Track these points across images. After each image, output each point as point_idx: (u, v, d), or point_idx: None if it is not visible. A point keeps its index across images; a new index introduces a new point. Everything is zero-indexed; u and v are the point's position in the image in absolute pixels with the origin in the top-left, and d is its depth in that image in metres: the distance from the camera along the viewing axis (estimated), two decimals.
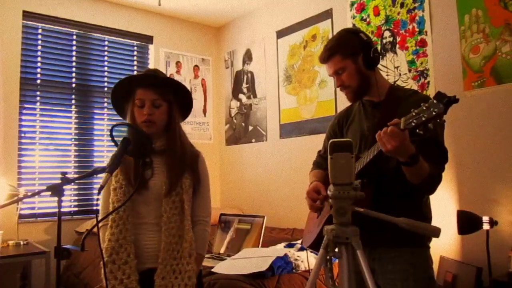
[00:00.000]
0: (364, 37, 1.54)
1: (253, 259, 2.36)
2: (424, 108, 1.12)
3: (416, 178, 1.34)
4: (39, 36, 3.78)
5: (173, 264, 1.52)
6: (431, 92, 2.84)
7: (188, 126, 4.56)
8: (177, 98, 1.67)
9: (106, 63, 4.18)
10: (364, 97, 1.60)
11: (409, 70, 3.02)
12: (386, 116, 1.38)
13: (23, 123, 3.63)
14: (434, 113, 1.10)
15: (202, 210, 1.68)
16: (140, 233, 1.59)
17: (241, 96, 4.58)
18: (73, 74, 3.95)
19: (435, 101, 1.10)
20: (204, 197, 1.69)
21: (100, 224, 1.61)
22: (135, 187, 1.49)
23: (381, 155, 1.32)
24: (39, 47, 3.77)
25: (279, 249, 2.59)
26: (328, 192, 1.12)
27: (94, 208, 3.93)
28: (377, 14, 3.25)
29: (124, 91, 1.64)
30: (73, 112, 3.93)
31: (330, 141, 1.11)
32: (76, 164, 3.90)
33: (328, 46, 1.56)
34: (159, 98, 1.60)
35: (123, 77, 1.69)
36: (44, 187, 1.22)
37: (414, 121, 1.15)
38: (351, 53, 1.52)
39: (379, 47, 3.18)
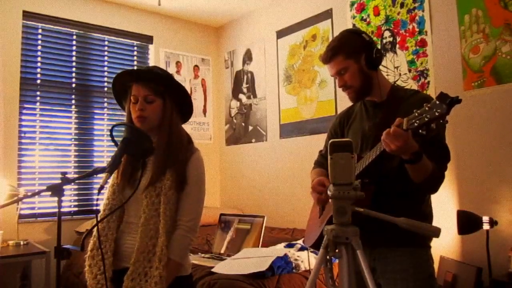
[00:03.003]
0: (366, 37, 1.55)
1: (253, 259, 2.36)
2: (426, 108, 1.12)
3: (419, 176, 1.34)
4: (39, 36, 3.78)
5: (146, 267, 1.47)
6: (431, 92, 2.84)
7: (188, 126, 4.56)
8: (173, 95, 1.63)
9: (106, 63, 4.18)
10: (366, 97, 1.60)
11: (409, 70, 3.02)
12: (387, 116, 1.38)
13: (23, 123, 3.63)
14: (437, 114, 1.10)
15: (185, 214, 1.55)
16: (125, 232, 1.58)
17: (241, 96, 4.58)
18: (73, 74, 3.95)
19: (437, 102, 1.10)
20: (190, 199, 1.57)
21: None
22: (136, 188, 1.47)
23: (384, 155, 1.32)
24: (39, 47, 3.77)
25: (279, 249, 2.59)
26: (328, 192, 1.12)
27: (94, 208, 3.93)
28: (377, 14, 3.25)
29: (124, 88, 1.63)
30: (73, 112, 3.92)
31: (330, 141, 1.12)
32: (76, 164, 3.90)
33: (330, 46, 1.57)
34: (151, 94, 1.57)
35: None
36: (44, 187, 1.22)
37: (417, 121, 1.15)
38: (354, 53, 1.52)
39: (379, 47, 3.18)
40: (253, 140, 4.37)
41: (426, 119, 1.13)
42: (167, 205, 1.51)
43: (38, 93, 3.74)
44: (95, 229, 1.53)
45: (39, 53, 3.77)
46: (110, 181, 1.60)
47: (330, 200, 1.13)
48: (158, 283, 1.44)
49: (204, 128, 4.76)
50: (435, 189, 1.43)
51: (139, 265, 1.47)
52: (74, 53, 3.97)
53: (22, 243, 3.20)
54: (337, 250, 1.11)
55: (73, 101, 3.93)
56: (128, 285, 1.44)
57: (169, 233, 1.51)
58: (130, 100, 1.61)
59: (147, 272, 1.46)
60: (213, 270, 2.31)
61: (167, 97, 1.61)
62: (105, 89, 4.12)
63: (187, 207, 1.57)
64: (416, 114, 1.15)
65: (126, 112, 1.63)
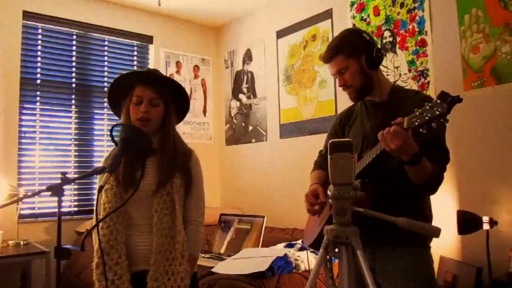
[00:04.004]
0: (367, 37, 1.55)
1: (253, 259, 2.36)
2: (427, 107, 1.12)
3: (418, 177, 1.34)
4: (39, 36, 3.78)
5: (166, 265, 1.50)
6: (431, 92, 2.84)
7: (188, 126, 4.56)
8: (175, 100, 1.66)
9: (106, 63, 4.18)
10: (366, 96, 1.60)
11: (409, 70, 3.01)
12: (388, 116, 1.38)
13: (23, 123, 3.63)
14: (437, 113, 1.10)
15: (194, 210, 1.64)
16: (132, 235, 1.57)
17: (241, 96, 4.58)
18: (73, 74, 3.95)
19: (438, 101, 1.10)
20: (196, 196, 1.65)
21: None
22: (136, 189, 1.46)
23: (383, 154, 1.32)
24: (39, 47, 3.77)
25: (279, 249, 2.60)
26: (328, 192, 1.12)
27: (94, 208, 3.92)
28: (377, 14, 3.25)
29: (123, 87, 1.63)
30: (73, 112, 3.92)
31: (330, 141, 1.11)
32: (76, 164, 3.90)
33: (331, 45, 1.57)
34: (157, 97, 1.60)
35: None
36: (44, 187, 1.22)
37: (418, 120, 1.15)
38: (355, 53, 1.53)
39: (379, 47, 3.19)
40: (253, 140, 4.37)
41: (426, 118, 1.13)
42: (180, 203, 1.57)
43: (38, 93, 3.74)
44: (96, 235, 1.52)
45: (39, 53, 3.77)
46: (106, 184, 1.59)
47: (329, 200, 1.13)
48: (184, 278, 1.49)
49: (204, 128, 4.76)
50: (434, 190, 1.43)
51: (159, 264, 1.50)
52: (74, 53, 3.97)
53: (22, 243, 3.20)
54: (337, 250, 1.11)
55: (73, 101, 3.93)
56: (153, 285, 1.47)
57: (184, 229, 1.57)
58: (130, 100, 1.61)
59: (167, 270, 1.50)
60: (213, 270, 2.31)
61: (171, 102, 1.64)
62: (105, 89, 4.12)
63: (194, 203, 1.64)
64: (417, 113, 1.16)
65: (124, 112, 1.63)
